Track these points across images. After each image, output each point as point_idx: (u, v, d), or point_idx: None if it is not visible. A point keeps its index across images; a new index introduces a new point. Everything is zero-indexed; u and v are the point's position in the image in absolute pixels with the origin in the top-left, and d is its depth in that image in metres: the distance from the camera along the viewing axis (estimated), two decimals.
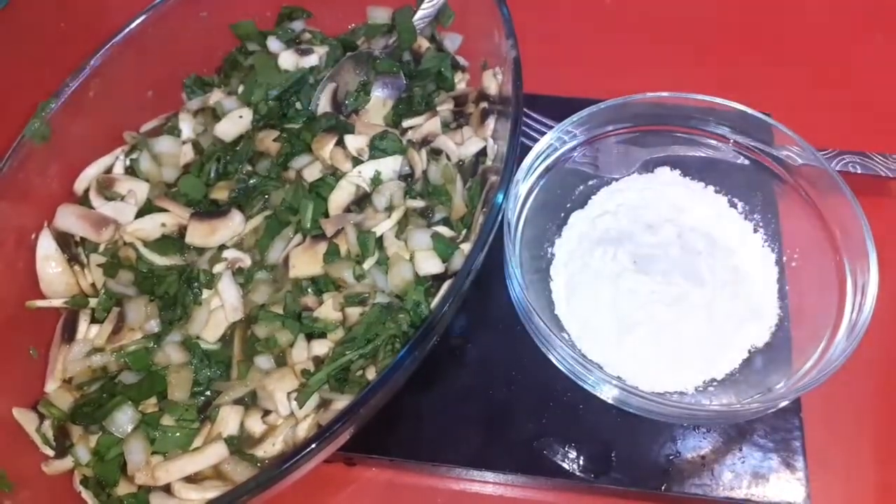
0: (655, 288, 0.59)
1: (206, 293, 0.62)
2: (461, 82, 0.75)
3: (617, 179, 0.67)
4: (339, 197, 0.63)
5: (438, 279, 0.59)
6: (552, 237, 0.66)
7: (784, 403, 0.52)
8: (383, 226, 0.62)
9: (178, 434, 0.56)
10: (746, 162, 0.65)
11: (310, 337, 0.59)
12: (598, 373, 0.51)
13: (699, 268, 0.60)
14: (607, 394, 0.54)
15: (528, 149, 0.61)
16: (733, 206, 0.66)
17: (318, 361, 0.57)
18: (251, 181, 0.68)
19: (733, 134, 0.64)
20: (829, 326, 0.56)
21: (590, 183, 0.68)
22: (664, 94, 0.63)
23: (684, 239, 0.62)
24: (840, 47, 0.87)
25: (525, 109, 0.60)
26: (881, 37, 0.86)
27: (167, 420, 0.57)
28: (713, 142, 0.65)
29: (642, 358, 0.58)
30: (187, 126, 0.74)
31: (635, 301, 0.59)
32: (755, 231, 0.64)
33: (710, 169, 0.66)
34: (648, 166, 0.68)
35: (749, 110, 0.61)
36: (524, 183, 0.61)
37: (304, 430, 0.56)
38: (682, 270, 0.60)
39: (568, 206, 0.68)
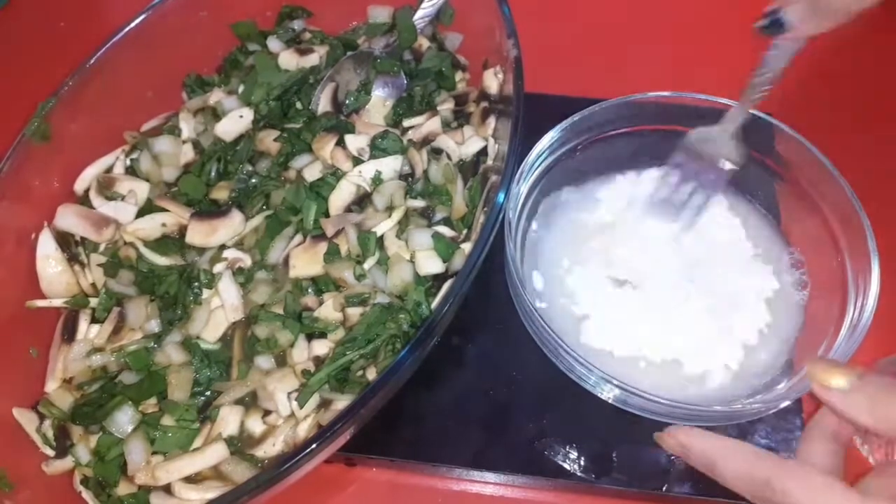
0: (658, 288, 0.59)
1: (206, 293, 0.62)
2: (462, 82, 0.75)
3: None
4: (340, 197, 0.63)
5: (439, 279, 0.59)
6: None
7: (785, 404, 0.52)
8: (384, 226, 0.62)
9: (178, 434, 0.56)
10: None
11: (310, 337, 0.59)
12: (598, 372, 0.51)
13: (702, 268, 0.60)
14: (608, 394, 0.54)
15: (529, 147, 0.61)
16: (733, 206, 0.65)
17: (319, 361, 0.57)
18: (251, 181, 0.68)
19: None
20: (830, 327, 0.56)
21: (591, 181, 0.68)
22: (666, 93, 0.63)
23: (685, 238, 0.62)
24: (839, 46, 0.86)
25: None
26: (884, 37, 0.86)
27: (167, 420, 0.56)
28: None
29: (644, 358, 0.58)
30: (187, 126, 0.74)
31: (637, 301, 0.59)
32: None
33: None
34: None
35: (751, 109, 0.61)
36: (525, 182, 0.61)
37: (304, 430, 0.56)
38: (684, 270, 0.60)
39: None
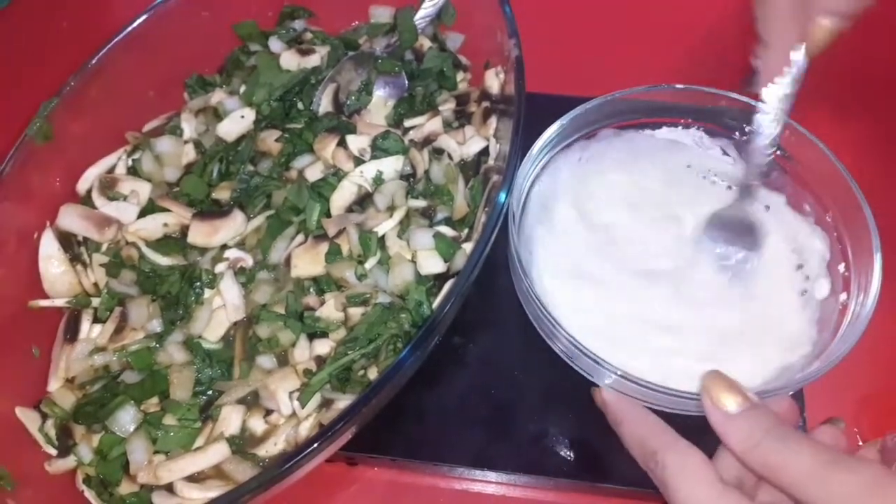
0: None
1: (207, 293, 0.62)
2: (463, 82, 0.75)
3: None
4: (341, 197, 0.63)
5: (440, 279, 0.59)
6: None
7: (786, 394, 0.51)
8: (385, 226, 0.62)
9: (180, 433, 0.56)
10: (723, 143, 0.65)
11: (312, 337, 0.59)
12: (604, 365, 0.51)
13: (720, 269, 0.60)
14: (606, 381, 0.53)
15: (531, 144, 0.61)
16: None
17: (320, 361, 0.58)
18: (253, 181, 0.68)
19: (736, 126, 0.64)
20: (832, 318, 0.56)
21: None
22: (678, 86, 0.62)
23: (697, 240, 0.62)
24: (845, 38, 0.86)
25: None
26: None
27: (169, 419, 0.57)
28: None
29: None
30: (189, 126, 0.74)
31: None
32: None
33: None
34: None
35: (753, 101, 0.61)
36: (528, 176, 0.61)
37: (305, 429, 0.56)
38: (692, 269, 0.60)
39: None
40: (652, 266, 0.61)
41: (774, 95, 0.55)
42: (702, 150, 0.66)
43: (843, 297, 0.56)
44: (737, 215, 0.61)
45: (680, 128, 0.65)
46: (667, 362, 0.57)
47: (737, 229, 0.61)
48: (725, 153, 0.65)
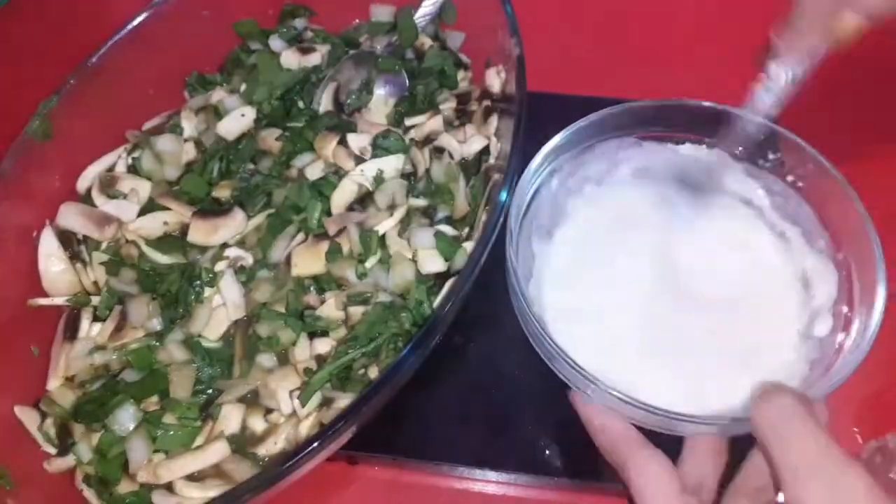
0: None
1: (207, 291, 0.62)
2: (464, 80, 0.75)
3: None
4: (342, 196, 0.63)
5: (441, 278, 0.59)
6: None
7: None
8: (386, 224, 0.62)
9: (179, 432, 0.56)
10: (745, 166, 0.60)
11: (312, 335, 0.59)
12: (600, 387, 0.47)
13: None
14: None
15: (531, 145, 0.59)
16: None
17: (321, 360, 0.57)
18: (253, 180, 0.68)
19: (760, 153, 0.59)
20: (826, 358, 0.52)
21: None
22: (706, 103, 0.58)
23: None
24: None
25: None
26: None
27: (169, 418, 0.57)
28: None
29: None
30: (189, 124, 0.74)
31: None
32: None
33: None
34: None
35: (787, 133, 0.56)
36: (530, 186, 0.57)
37: (306, 428, 0.56)
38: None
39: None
40: (655, 286, 0.56)
41: (783, 75, 0.52)
42: (724, 169, 0.60)
43: (840, 337, 0.52)
44: (700, 179, 0.58)
45: (704, 146, 0.60)
46: (658, 381, 0.52)
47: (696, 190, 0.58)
48: (748, 175, 0.60)
